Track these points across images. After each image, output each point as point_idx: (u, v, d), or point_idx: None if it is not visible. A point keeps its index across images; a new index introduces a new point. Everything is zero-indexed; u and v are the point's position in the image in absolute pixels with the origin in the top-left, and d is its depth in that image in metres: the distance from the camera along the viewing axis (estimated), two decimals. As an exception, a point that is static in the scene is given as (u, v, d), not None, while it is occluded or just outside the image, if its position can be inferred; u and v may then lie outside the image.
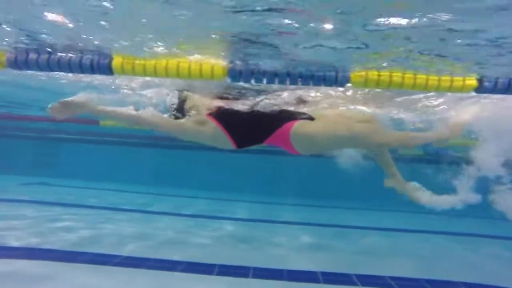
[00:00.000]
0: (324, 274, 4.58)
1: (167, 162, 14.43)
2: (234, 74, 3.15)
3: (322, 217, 10.09)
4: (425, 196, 3.67)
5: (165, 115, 3.90)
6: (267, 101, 3.94)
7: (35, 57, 3.38)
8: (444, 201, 3.62)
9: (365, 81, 3.09)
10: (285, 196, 12.53)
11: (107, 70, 3.31)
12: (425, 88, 3.07)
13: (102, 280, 4.02)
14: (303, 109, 4.06)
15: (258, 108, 3.84)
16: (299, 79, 3.13)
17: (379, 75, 3.08)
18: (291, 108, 4.00)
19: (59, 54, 3.44)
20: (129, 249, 5.23)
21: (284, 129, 3.51)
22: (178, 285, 4.08)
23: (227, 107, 3.86)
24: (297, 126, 3.49)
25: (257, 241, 6.38)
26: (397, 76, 3.05)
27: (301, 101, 4.18)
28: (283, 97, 4.01)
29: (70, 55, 3.41)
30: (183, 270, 4.48)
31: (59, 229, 6.17)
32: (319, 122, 3.59)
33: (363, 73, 3.09)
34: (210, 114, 3.70)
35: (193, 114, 3.82)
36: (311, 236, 6.90)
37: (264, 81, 3.21)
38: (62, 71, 3.46)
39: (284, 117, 3.63)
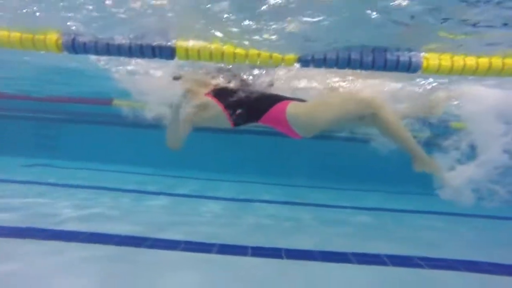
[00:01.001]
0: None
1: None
2: (306, 61, 3.11)
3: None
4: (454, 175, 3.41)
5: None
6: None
7: (93, 41, 3.26)
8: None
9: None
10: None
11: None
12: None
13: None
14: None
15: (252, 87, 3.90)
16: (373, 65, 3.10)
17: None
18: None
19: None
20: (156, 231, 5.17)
21: (279, 108, 3.51)
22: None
23: (222, 86, 3.92)
24: (291, 106, 3.49)
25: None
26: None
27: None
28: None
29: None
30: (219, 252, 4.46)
31: (61, 210, 6.13)
32: (312, 102, 3.64)
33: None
34: (208, 94, 3.72)
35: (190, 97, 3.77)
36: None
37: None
38: (120, 55, 3.35)
39: (277, 98, 3.66)
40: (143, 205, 7.15)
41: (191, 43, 3.27)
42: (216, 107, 3.62)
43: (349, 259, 4.48)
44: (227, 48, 3.18)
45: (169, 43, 3.21)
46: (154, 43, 3.20)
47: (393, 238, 5.68)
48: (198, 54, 3.21)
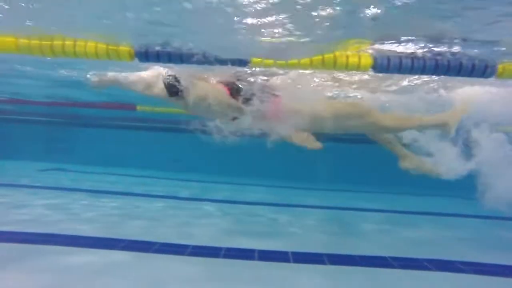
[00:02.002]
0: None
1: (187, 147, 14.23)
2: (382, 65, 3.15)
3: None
4: (439, 166, 3.69)
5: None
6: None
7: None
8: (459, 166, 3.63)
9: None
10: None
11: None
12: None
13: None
14: None
15: None
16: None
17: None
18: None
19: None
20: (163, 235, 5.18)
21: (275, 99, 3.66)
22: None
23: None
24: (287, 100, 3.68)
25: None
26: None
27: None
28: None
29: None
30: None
31: (81, 215, 6.15)
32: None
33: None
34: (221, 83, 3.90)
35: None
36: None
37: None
38: (192, 63, 3.36)
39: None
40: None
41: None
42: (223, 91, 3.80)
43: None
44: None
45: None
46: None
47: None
48: (274, 61, 3.24)
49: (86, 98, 10.06)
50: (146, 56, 3.31)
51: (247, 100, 3.79)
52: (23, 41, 3.30)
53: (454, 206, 9.31)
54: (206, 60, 3.24)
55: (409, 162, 3.70)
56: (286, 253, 4.64)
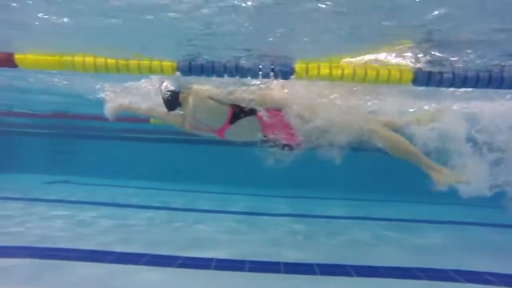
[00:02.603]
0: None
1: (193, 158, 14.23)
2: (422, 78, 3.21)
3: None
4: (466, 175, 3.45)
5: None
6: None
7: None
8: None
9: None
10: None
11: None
12: None
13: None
14: None
15: None
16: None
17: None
18: None
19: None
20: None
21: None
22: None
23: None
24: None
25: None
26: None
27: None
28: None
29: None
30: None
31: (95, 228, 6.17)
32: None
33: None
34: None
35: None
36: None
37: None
38: (233, 76, 3.39)
39: None
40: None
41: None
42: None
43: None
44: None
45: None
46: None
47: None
48: (318, 72, 3.27)
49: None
50: (189, 70, 3.34)
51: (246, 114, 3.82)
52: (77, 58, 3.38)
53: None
54: (249, 73, 3.28)
55: (442, 175, 3.48)
56: (311, 265, 4.64)
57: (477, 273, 4.60)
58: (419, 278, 4.37)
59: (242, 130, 3.93)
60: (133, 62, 3.33)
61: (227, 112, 3.81)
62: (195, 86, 3.97)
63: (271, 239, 5.91)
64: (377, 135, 3.61)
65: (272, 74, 3.26)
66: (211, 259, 4.71)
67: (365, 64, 3.33)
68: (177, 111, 4.17)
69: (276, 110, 3.79)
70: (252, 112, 3.79)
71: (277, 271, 4.42)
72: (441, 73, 3.21)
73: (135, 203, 9.12)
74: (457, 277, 4.42)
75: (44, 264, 4.27)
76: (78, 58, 3.36)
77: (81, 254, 4.72)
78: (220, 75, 3.36)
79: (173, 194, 10.90)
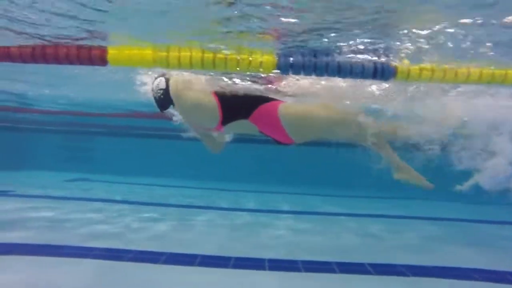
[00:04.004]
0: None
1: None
2: None
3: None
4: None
5: None
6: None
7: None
8: None
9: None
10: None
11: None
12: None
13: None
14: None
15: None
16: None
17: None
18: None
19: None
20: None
21: (270, 107, 3.51)
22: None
23: (227, 87, 3.91)
24: (284, 106, 3.49)
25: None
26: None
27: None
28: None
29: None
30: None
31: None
32: (307, 104, 3.68)
33: None
34: (214, 94, 3.71)
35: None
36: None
37: None
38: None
39: (268, 97, 3.71)
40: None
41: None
42: (214, 103, 3.61)
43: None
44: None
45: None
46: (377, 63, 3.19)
47: None
48: (419, 74, 3.21)
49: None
50: (291, 67, 3.24)
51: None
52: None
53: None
54: (353, 72, 3.19)
55: (404, 174, 3.52)
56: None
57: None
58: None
59: (237, 129, 3.88)
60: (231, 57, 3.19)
61: (216, 113, 3.63)
62: (174, 77, 3.85)
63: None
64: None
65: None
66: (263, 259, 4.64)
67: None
68: (171, 110, 3.99)
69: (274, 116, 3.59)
70: (245, 115, 3.62)
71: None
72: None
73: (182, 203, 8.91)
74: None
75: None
76: (173, 53, 3.23)
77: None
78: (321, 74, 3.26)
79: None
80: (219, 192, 10.88)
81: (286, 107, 3.55)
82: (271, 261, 4.54)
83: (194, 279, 3.92)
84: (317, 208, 9.31)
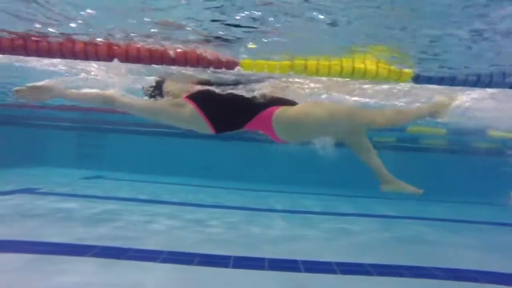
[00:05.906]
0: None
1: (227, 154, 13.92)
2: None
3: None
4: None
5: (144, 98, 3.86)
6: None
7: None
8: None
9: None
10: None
11: None
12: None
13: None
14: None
15: (237, 92, 3.75)
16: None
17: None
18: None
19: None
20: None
21: (265, 115, 3.42)
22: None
23: (204, 90, 3.77)
24: (279, 112, 3.41)
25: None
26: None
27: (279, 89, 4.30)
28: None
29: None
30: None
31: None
32: (300, 105, 3.54)
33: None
34: (187, 97, 3.53)
35: (169, 98, 3.73)
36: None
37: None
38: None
39: (264, 103, 3.53)
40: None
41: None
42: (195, 112, 3.41)
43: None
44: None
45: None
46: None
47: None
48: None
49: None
50: (429, 79, 3.23)
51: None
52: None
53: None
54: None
55: (391, 185, 3.60)
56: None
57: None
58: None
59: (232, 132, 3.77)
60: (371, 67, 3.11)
61: (208, 129, 3.52)
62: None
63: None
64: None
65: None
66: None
67: None
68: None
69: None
70: (239, 125, 3.54)
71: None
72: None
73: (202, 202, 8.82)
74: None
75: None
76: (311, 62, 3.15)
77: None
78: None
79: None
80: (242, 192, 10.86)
81: (281, 112, 3.41)
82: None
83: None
84: (317, 208, 9.40)
